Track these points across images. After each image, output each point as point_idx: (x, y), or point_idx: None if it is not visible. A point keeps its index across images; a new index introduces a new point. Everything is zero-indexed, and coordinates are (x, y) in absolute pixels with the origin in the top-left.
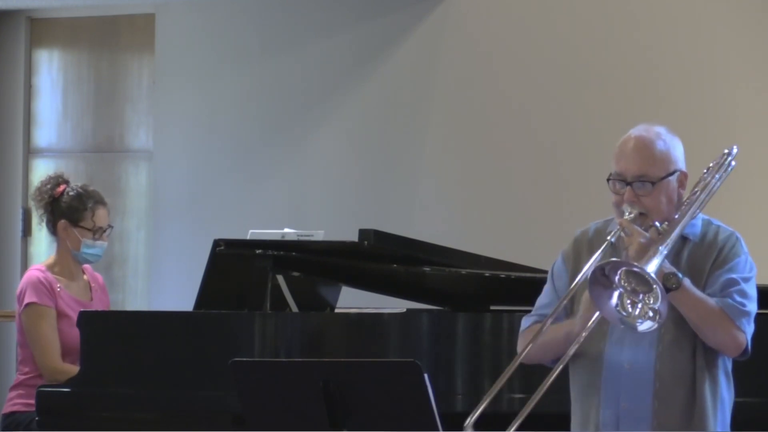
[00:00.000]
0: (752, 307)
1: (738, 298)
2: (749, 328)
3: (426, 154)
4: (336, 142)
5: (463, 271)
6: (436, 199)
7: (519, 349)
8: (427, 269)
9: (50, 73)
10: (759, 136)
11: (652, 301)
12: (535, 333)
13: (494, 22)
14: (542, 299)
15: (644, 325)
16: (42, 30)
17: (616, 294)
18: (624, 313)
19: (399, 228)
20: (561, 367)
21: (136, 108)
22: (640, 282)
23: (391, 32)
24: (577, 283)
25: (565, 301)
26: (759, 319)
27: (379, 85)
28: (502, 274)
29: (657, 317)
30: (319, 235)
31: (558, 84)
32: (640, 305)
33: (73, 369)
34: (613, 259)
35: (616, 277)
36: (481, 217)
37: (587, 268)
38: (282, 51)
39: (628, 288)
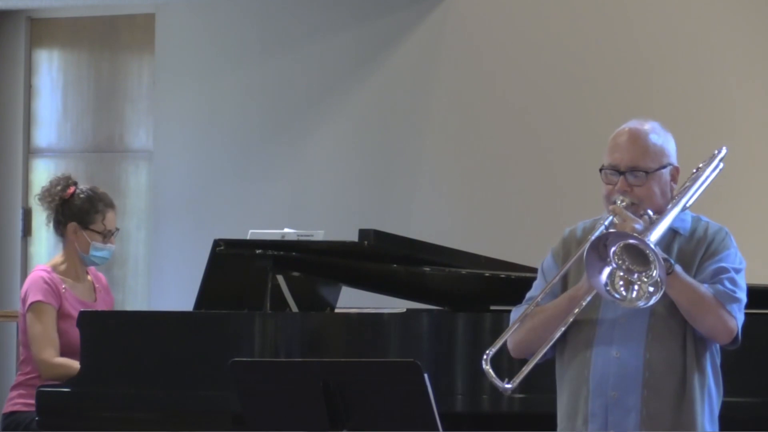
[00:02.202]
0: (742, 295)
1: (728, 285)
2: (740, 315)
3: (426, 154)
4: (336, 142)
5: (463, 271)
6: (436, 199)
7: (510, 339)
8: (427, 269)
9: (50, 73)
10: (758, 136)
11: (651, 276)
12: (531, 315)
13: (494, 22)
14: (533, 292)
15: (651, 300)
16: (42, 30)
17: (607, 270)
18: (617, 296)
19: (399, 228)
20: (558, 337)
21: (136, 108)
22: (635, 260)
23: (391, 32)
24: (574, 259)
25: (556, 279)
26: (757, 319)
27: (379, 85)
28: (502, 274)
29: (659, 289)
30: (319, 235)
31: (557, 84)
32: (637, 285)
33: (68, 363)
34: (613, 230)
35: (612, 251)
36: (481, 217)
37: (586, 245)
38: (282, 51)
39: (622, 266)
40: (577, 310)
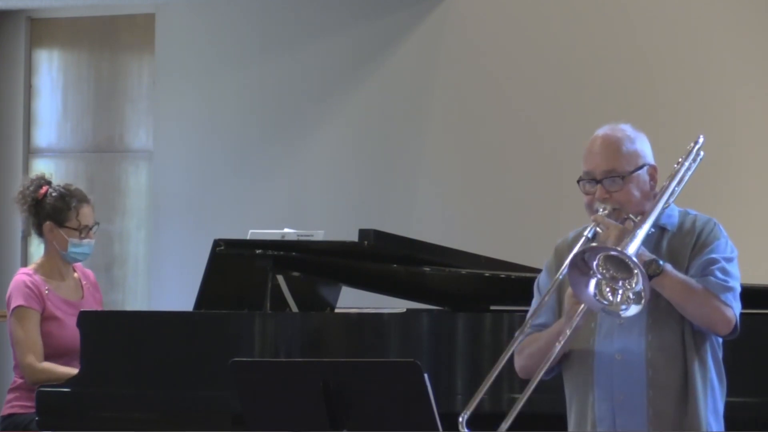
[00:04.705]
0: (735, 284)
1: (720, 275)
2: (736, 304)
3: (426, 154)
4: (336, 142)
5: (463, 271)
6: (436, 199)
7: (516, 363)
8: (427, 269)
9: (50, 73)
10: (758, 136)
11: (633, 285)
12: (528, 341)
13: (493, 22)
14: (531, 313)
15: (630, 311)
16: (42, 30)
17: (593, 282)
18: (605, 302)
19: (399, 228)
20: (548, 365)
21: (136, 108)
22: (619, 268)
23: (390, 32)
24: (561, 273)
25: (547, 297)
26: (757, 319)
27: (379, 85)
28: (502, 274)
29: (641, 300)
30: (319, 235)
31: (557, 84)
32: (620, 291)
33: (52, 368)
34: (593, 244)
35: (595, 263)
36: (481, 217)
37: (568, 260)
38: (282, 51)
39: (607, 275)
40: (562, 339)
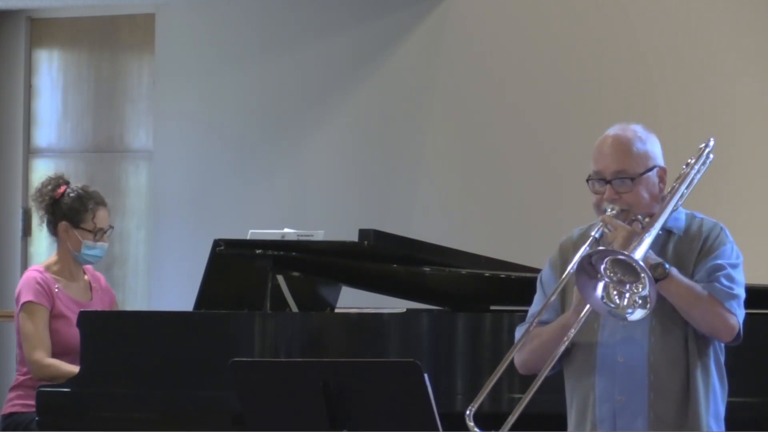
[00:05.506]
0: (740, 291)
1: (725, 282)
2: (740, 311)
3: (426, 155)
4: (336, 142)
5: (463, 271)
6: (436, 199)
7: (516, 358)
8: (427, 269)
9: (50, 73)
10: (758, 136)
11: (639, 290)
12: (531, 336)
13: (494, 22)
14: (534, 308)
15: (636, 314)
16: (42, 30)
17: (601, 285)
18: (612, 305)
19: (399, 228)
20: (556, 359)
21: (136, 108)
22: (627, 272)
23: (391, 32)
24: (567, 274)
25: (553, 297)
26: (757, 319)
27: (379, 85)
28: (502, 274)
29: (647, 304)
30: (319, 235)
31: (557, 84)
32: (627, 295)
33: (59, 364)
34: (600, 248)
35: (602, 267)
36: (481, 217)
37: (574, 262)
38: (282, 51)
39: (614, 278)
40: (572, 332)
